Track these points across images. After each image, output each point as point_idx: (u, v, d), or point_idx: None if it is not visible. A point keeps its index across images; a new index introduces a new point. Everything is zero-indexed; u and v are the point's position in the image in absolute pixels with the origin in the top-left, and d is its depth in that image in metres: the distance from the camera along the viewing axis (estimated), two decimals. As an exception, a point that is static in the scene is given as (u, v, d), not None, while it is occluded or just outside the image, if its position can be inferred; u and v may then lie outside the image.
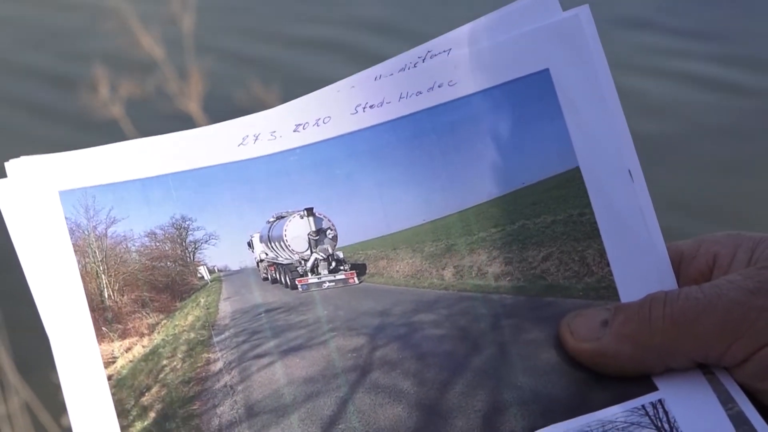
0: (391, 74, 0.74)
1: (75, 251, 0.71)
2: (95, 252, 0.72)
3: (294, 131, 0.74)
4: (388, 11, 5.40)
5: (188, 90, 3.27)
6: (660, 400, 0.68)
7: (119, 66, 3.79)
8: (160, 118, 4.01)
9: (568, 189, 0.72)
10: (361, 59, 4.86)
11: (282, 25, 5.30)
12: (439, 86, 0.74)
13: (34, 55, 5.15)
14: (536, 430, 0.68)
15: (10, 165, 0.72)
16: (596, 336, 0.68)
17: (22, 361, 2.90)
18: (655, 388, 0.68)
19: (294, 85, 4.33)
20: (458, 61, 0.74)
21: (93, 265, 0.72)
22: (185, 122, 3.44)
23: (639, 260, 0.71)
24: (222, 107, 4.10)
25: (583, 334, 0.69)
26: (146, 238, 0.73)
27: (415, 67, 0.74)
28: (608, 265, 0.71)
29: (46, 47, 5.19)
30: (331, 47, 5.06)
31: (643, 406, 0.68)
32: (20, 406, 2.73)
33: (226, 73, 4.40)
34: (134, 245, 0.73)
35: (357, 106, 0.74)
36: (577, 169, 0.72)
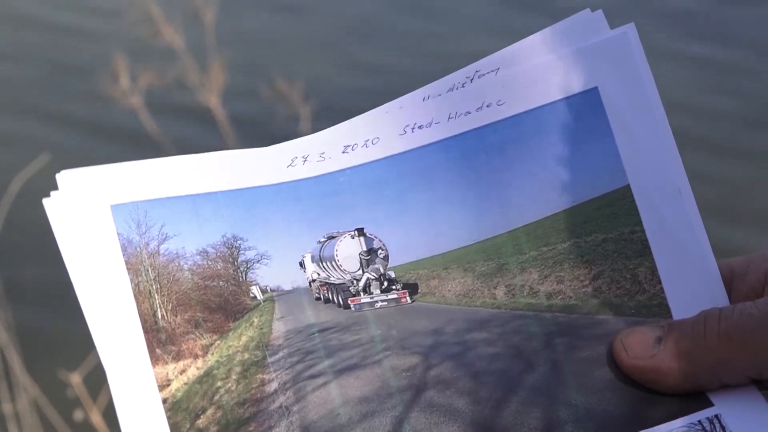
0: (440, 95, 0.75)
1: (128, 269, 0.70)
2: (148, 270, 0.71)
3: (343, 152, 0.75)
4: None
5: (209, 83, 3.27)
6: (717, 416, 0.68)
7: (139, 56, 3.79)
8: (179, 110, 4.01)
9: (619, 207, 0.72)
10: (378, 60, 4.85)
11: (304, 19, 5.29)
12: (487, 106, 0.74)
13: (55, 40, 5.14)
14: None
15: (61, 177, 0.71)
16: (650, 353, 0.69)
17: (30, 359, 2.90)
18: (710, 404, 0.68)
19: (318, 81, 4.32)
20: (506, 81, 0.74)
21: (146, 284, 0.71)
22: (205, 115, 3.44)
23: (691, 277, 0.71)
24: (243, 101, 4.10)
25: (637, 351, 0.69)
26: (198, 257, 0.72)
27: (463, 87, 0.74)
28: (660, 282, 0.72)
29: (67, 33, 5.19)
30: (356, 38, 5.04)
31: (699, 421, 0.68)
32: (28, 404, 2.73)
33: (248, 68, 4.39)
34: (186, 263, 0.72)
35: (405, 126, 0.75)
36: (628, 187, 0.72)
